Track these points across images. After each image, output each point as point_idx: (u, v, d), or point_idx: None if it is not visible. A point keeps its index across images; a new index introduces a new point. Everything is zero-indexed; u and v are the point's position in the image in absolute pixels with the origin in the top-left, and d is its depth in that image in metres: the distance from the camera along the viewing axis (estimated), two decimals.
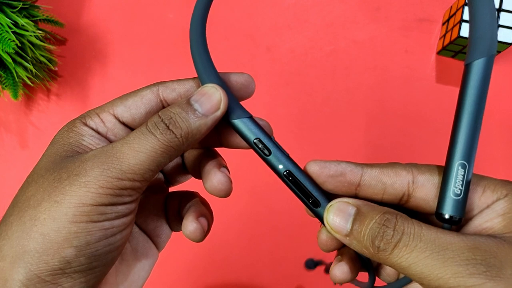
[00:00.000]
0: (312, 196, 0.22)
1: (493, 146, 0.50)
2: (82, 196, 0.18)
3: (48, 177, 0.20)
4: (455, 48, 0.49)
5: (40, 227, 0.18)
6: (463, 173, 0.20)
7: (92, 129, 0.22)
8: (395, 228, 0.19)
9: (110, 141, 0.22)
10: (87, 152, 0.21)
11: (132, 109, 0.22)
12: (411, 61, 0.51)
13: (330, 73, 0.52)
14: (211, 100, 0.21)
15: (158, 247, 0.27)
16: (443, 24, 0.51)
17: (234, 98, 0.22)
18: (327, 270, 0.25)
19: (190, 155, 0.26)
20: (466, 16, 0.45)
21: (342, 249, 0.24)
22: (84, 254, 0.19)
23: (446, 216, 0.20)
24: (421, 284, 0.19)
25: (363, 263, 0.24)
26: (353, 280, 0.23)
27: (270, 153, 0.22)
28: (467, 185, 0.20)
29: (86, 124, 0.22)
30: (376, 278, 0.25)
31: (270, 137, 0.22)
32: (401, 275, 0.24)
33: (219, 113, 0.21)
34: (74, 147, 0.21)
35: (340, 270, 0.23)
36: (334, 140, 0.51)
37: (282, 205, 0.49)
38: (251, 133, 0.22)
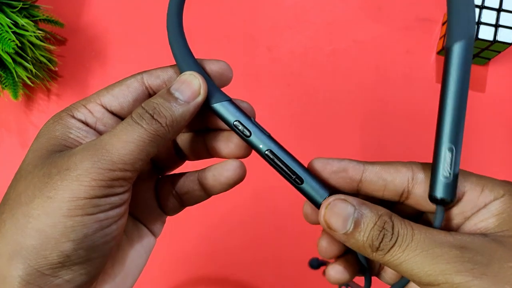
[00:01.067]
0: (295, 173, 0.22)
1: (494, 147, 0.50)
2: (75, 190, 0.18)
3: (37, 173, 0.19)
4: None
5: (35, 224, 0.18)
6: (450, 156, 0.20)
7: (80, 121, 0.22)
8: (393, 232, 0.19)
9: (99, 132, 0.22)
10: (75, 145, 0.21)
11: (119, 97, 0.22)
12: (412, 61, 0.51)
13: (331, 73, 0.52)
14: (190, 87, 0.21)
15: (154, 233, 0.26)
16: (443, 24, 0.51)
17: (213, 83, 0.23)
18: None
19: (185, 137, 0.26)
20: None
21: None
22: (82, 247, 0.19)
23: (438, 197, 0.20)
24: (413, 280, 0.19)
25: (361, 267, 0.24)
26: (349, 281, 0.24)
27: (250, 134, 0.22)
28: (455, 167, 0.20)
29: (73, 117, 0.22)
30: (372, 279, 0.25)
31: (249, 118, 0.22)
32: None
33: (200, 98, 0.21)
34: (61, 141, 0.21)
35: (334, 270, 0.23)
36: (335, 139, 0.51)
37: (285, 206, 0.49)
38: (231, 115, 0.22)
